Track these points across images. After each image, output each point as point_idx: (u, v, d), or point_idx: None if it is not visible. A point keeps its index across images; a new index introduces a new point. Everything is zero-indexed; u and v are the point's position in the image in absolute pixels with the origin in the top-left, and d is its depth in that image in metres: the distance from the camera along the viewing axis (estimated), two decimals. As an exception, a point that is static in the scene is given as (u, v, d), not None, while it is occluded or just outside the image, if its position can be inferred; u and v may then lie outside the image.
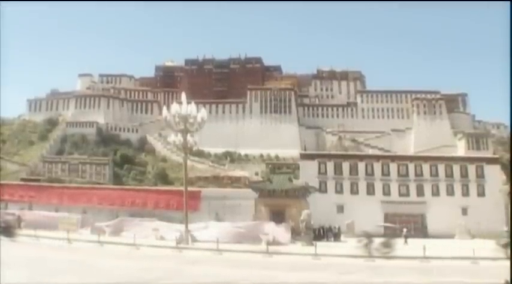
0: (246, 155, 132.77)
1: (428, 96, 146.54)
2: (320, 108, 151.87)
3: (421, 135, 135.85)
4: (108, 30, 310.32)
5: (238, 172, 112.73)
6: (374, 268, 22.43)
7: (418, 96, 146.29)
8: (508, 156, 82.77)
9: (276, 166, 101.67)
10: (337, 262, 24.99)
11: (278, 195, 47.12)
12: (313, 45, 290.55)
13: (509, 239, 27.80)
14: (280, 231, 35.96)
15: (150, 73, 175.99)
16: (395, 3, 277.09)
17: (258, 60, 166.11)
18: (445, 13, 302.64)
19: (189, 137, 34.00)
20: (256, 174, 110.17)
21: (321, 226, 45.77)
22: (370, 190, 62.56)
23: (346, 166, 63.98)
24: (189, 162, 52.50)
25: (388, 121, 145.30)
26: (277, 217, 42.33)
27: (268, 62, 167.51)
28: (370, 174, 63.34)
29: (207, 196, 54.24)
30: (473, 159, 69.17)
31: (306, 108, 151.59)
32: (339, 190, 62.62)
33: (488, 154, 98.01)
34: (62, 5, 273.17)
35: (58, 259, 23.39)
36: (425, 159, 67.57)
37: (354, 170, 63.59)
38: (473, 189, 61.72)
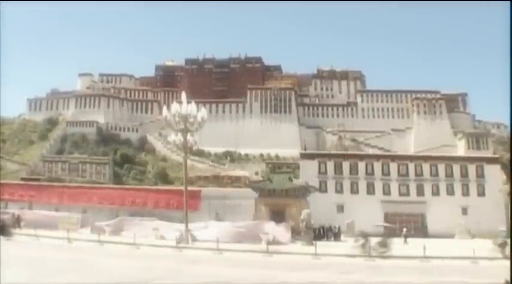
0: (246, 155, 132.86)
1: (429, 95, 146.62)
2: (320, 108, 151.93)
3: (421, 135, 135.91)
4: (108, 29, 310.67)
5: (238, 172, 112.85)
6: (374, 267, 22.42)
7: (418, 95, 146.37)
8: (508, 155, 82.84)
9: (276, 166, 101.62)
10: (337, 261, 24.96)
11: (278, 195, 47.09)
12: (313, 45, 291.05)
13: (506, 239, 27.86)
14: (280, 231, 35.92)
15: (150, 72, 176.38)
16: (395, 3, 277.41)
17: (258, 60, 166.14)
18: (445, 13, 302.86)
19: (189, 137, 33.99)
20: (256, 173, 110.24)
21: (321, 225, 45.75)
22: (370, 190, 62.57)
23: (346, 165, 63.98)
24: (189, 162, 52.57)
25: (388, 121, 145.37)
26: (277, 216, 42.30)
27: (268, 61, 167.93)
28: (370, 173, 63.34)
29: (207, 196, 54.23)
30: (473, 158, 69.18)
31: (306, 108, 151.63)
32: (339, 190, 62.62)
33: (489, 154, 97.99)
34: (62, 5, 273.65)
35: (58, 258, 23.37)
36: (426, 158, 67.55)
37: (354, 170, 63.59)
38: (473, 188, 61.72)
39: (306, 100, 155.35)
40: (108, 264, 21.94)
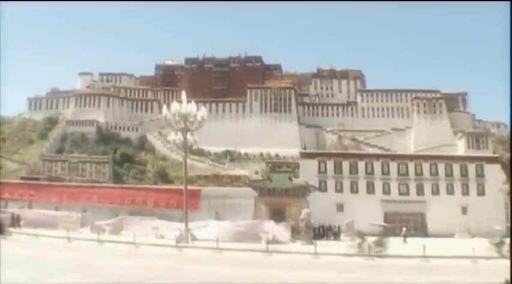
0: (246, 154, 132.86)
1: (429, 95, 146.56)
2: (320, 107, 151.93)
3: (421, 134, 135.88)
4: (108, 29, 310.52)
5: (238, 171, 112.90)
6: (374, 266, 22.43)
7: (418, 95, 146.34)
8: (508, 155, 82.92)
9: (276, 165, 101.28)
10: (337, 260, 24.98)
11: (278, 194, 47.10)
12: (313, 44, 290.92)
13: (502, 239, 27.86)
14: (280, 230, 35.94)
15: (150, 72, 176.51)
16: (395, 3, 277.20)
17: (258, 59, 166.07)
18: (445, 13, 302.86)
19: (189, 136, 33.99)
20: (256, 172, 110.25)
21: (320, 225, 45.74)
22: (370, 189, 62.55)
23: (346, 165, 63.94)
24: (189, 161, 52.58)
25: (388, 120, 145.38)
26: (277, 216, 42.32)
27: (268, 60, 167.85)
28: (370, 172, 63.31)
29: (207, 195, 54.22)
30: (473, 158, 69.16)
31: (306, 107, 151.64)
32: (339, 189, 62.59)
33: (488, 153, 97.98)
34: (62, 5, 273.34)
35: (58, 257, 23.38)
36: (425, 158, 67.50)
37: (353, 169, 63.55)
38: (473, 188, 61.70)
39: (306, 99, 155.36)
40: (107, 263, 21.95)
